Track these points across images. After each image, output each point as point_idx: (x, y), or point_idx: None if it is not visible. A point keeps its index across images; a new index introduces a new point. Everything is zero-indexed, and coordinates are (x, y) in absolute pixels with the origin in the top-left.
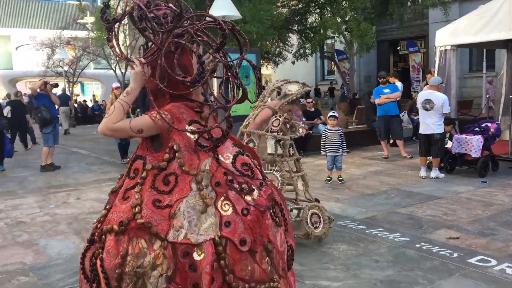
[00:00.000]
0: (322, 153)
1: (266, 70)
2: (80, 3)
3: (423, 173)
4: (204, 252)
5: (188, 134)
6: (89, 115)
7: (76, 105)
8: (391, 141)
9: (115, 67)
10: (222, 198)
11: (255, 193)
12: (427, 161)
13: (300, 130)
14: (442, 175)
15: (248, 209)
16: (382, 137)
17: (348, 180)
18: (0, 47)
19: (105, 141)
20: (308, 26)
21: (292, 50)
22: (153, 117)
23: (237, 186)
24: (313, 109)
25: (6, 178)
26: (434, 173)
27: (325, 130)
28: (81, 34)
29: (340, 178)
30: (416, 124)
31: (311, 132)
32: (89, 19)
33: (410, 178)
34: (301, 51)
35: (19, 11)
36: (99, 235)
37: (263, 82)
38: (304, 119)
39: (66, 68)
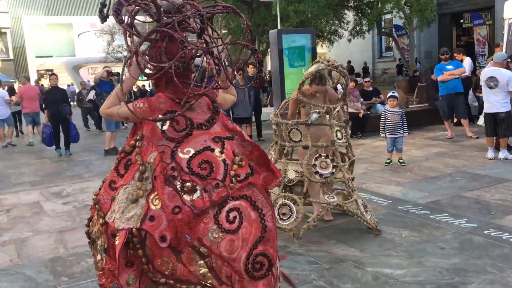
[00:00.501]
0: (382, 135)
1: (321, 49)
2: None
3: (490, 154)
4: (118, 240)
5: (158, 124)
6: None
7: (135, 89)
8: (455, 120)
9: None
10: (156, 193)
11: (197, 193)
12: (495, 141)
13: (314, 115)
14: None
15: (180, 207)
16: (446, 117)
17: (410, 163)
18: (63, 35)
19: None
20: (364, 1)
21: (348, 28)
22: (133, 107)
23: (179, 183)
24: (371, 88)
25: (73, 162)
26: (503, 154)
27: (384, 111)
28: (140, 19)
29: (401, 161)
30: (481, 102)
31: (369, 112)
32: None
33: (477, 160)
34: (358, 28)
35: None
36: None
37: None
38: (361, 99)
39: (125, 53)
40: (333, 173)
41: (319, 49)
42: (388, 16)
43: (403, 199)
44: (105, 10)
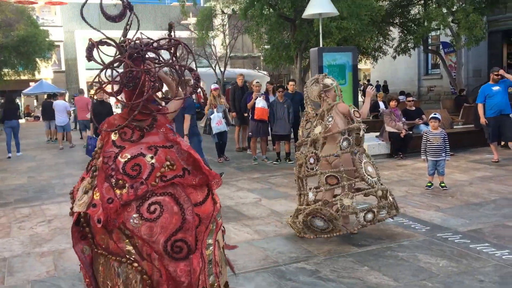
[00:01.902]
0: (423, 157)
1: (365, 65)
2: (183, 6)
3: None
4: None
5: (112, 136)
6: None
7: None
8: (502, 143)
9: (214, 66)
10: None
11: (125, 189)
12: None
13: (344, 143)
14: None
15: (112, 199)
16: (491, 139)
17: (452, 187)
18: (113, 49)
19: (205, 138)
20: (410, 18)
21: (392, 44)
22: (100, 129)
23: (114, 181)
24: (413, 108)
25: None
26: None
27: (426, 133)
28: (184, 34)
29: (443, 184)
30: None
31: (411, 132)
32: (191, 20)
33: None
34: (403, 45)
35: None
36: None
37: (361, 78)
38: (403, 118)
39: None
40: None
41: (362, 65)
42: (434, 33)
43: (442, 225)
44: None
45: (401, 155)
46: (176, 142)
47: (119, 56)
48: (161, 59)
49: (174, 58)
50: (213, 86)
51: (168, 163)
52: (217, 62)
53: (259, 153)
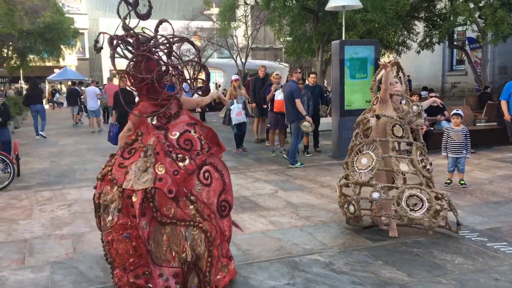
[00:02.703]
0: (443, 154)
1: (388, 59)
2: None
3: None
4: (136, 196)
5: (148, 120)
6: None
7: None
8: None
9: (236, 57)
10: (159, 163)
11: (187, 161)
12: None
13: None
14: None
15: (178, 171)
16: None
17: (472, 185)
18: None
19: (225, 129)
20: (436, 12)
21: (417, 39)
22: (130, 119)
23: (174, 155)
24: (436, 104)
25: None
26: None
27: (447, 129)
28: (207, 25)
29: (462, 182)
30: None
31: (432, 128)
32: (214, 11)
33: None
34: (427, 40)
35: (154, 4)
36: (97, 181)
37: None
38: (425, 114)
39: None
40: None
41: (386, 60)
42: (460, 28)
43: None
44: (98, 44)
45: None
46: (197, 120)
47: (140, 51)
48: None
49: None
50: (233, 77)
51: (202, 136)
52: (239, 53)
53: (277, 145)
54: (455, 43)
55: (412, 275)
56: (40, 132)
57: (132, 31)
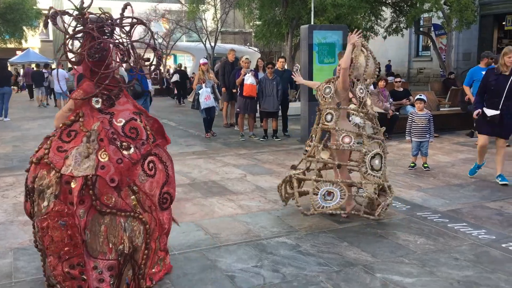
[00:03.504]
0: (407, 138)
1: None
2: None
3: None
4: (76, 183)
5: (93, 103)
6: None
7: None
8: None
9: (205, 41)
10: (103, 150)
11: (131, 150)
12: None
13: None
14: None
15: (122, 159)
16: None
17: (434, 168)
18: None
19: (193, 114)
20: None
21: (384, 25)
22: (70, 96)
23: (118, 143)
24: (401, 89)
25: None
26: None
27: (411, 114)
28: (175, 7)
29: (426, 165)
30: None
31: (398, 113)
32: None
33: (505, 169)
34: (394, 26)
35: None
36: (30, 164)
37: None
38: (391, 99)
39: (160, 40)
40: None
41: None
42: (427, 14)
43: (422, 205)
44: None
45: (387, 136)
46: (142, 110)
47: (87, 27)
48: (123, 36)
49: (130, 36)
50: (202, 61)
51: (148, 127)
52: (208, 37)
53: (247, 129)
54: (421, 29)
55: (376, 255)
56: (5, 119)
57: (83, 10)
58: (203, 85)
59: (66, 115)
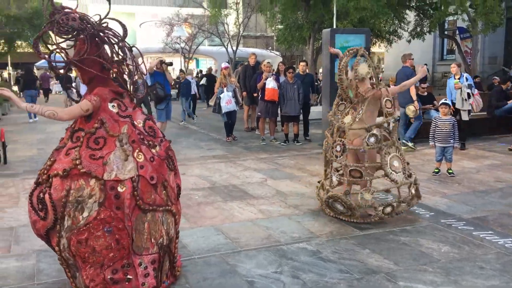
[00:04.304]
0: (431, 143)
1: (379, 49)
2: None
3: None
4: (125, 186)
5: (110, 108)
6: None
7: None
8: None
9: (227, 45)
10: (137, 150)
11: (157, 147)
12: None
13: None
14: None
15: (153, 157)
16: None
17: (459, 174)
18: (125, 23)
19: (215, 117)
20: (427, 1)
21: (408, 28)
22: (90, 100)
23: (146, 142)
24: (425, 94)
25: None
26: None
27: (435, 119)
28: (197, 12)
29: (450, 171)
30: None
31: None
32: None
33: None
34: (418, 29)
35: None
36: (46, 179)
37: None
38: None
39: (182, 45)
40: None
41: (376, 49)
42: (451, 17)
43: (447, 212)
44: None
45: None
46: (147, 115)
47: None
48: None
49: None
50: (223, 65)
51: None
52: (230, 41)
53: (268, 133)
54: (445, 32)
55: (398, 263)
56: (35, 119)
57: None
58: (225, 89)
59: (82, 113)
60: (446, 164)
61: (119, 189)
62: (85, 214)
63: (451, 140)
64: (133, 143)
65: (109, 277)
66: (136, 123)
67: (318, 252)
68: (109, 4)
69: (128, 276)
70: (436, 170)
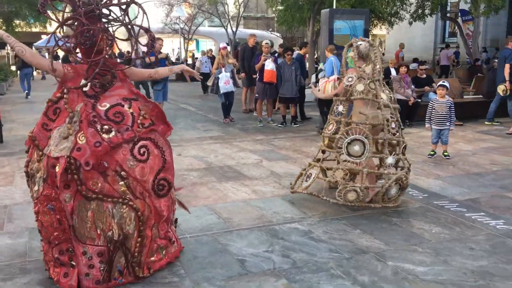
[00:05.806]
0: (427, 125)
1: (380, 31)
2: None
3: None
4: (58, 167)
5: (80, 83)
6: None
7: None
8: None
9: (226, 26)
10: (81, 132)
11: (112, 133)
12: None
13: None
14: None
15: (100, 142)
16: None
17: (455, 156)
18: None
19: (212, 98)
20: None
21: (410, 10)
22: (64, 66)
23: (99, 126)
24: (424, 76)
25: None
26: None
27: (432, 101)
28: None
29: (446, 153)
30: None
31: (419, 100)
32: None
33: None
34: (420, 11)
35: None
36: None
37: (377, 43)
38: (413, 86)
39: (182, 25)
40: None
41: (377, 31)
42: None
43: (440, 193)
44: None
45: (408, 123)
46: (140, 95)
47: (74, 13)
48: (115, 16)
49: (126, 17)
50: (221, 45)
51: (143, 112)
52: (229, 22)
53: (265, 115)
54: (447, 15)
55: (389, 243)
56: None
57: None
58: (223, 69)
59: (46, 67)
60: (442, 146)
61: (56, 168)
62: (36, 188)
63: (447, 123)
64: (80, 123)
65: (56, 256)
66: (99, 106)
67: (310, 232)
68: None
69: (72, 262)
70: (432, 153)
